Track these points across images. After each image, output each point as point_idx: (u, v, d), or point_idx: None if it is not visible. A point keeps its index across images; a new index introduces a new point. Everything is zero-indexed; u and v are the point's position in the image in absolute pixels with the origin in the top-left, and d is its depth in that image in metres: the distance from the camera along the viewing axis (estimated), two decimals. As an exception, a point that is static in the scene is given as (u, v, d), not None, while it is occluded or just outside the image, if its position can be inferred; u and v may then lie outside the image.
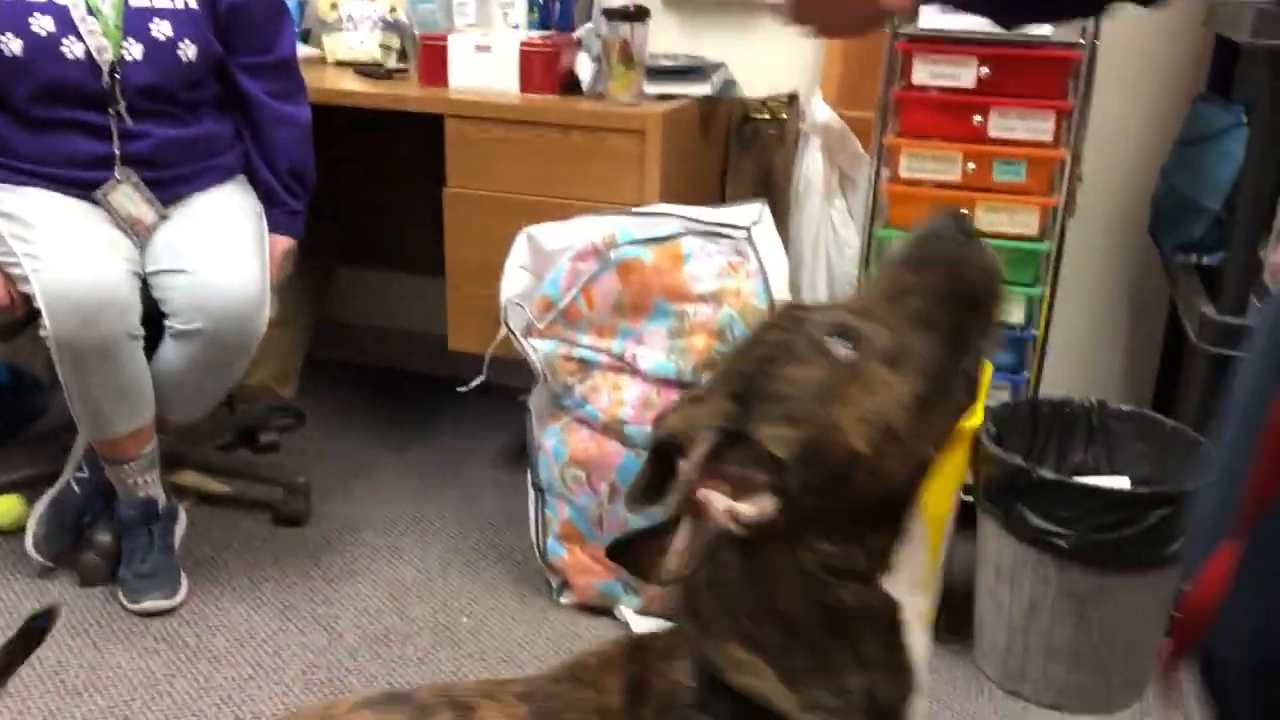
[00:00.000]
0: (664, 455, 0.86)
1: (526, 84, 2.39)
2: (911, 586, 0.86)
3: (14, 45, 1.94)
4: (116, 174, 2.01)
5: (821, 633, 0.83)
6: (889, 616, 0.84)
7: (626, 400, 2.02)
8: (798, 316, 0.85)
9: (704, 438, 0.80)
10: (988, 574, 1.93)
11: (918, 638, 0.87)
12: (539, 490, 2.16)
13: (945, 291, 0.83)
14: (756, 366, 0.83)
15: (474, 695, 0.94)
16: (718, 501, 0.79)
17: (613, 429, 2.02)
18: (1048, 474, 1.79)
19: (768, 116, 2.61)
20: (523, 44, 2.40)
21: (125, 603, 2.07)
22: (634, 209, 2.17)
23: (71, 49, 1.96)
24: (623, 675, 0.90)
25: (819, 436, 0.79)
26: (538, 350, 2.08)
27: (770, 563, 0.82)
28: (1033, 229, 2.17)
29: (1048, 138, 2.12)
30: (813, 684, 0.83)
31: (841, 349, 0.81)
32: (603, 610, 2.11)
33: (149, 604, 2.06)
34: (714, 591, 0.85)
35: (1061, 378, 2.52)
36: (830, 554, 0.82)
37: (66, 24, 1.96)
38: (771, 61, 2.62)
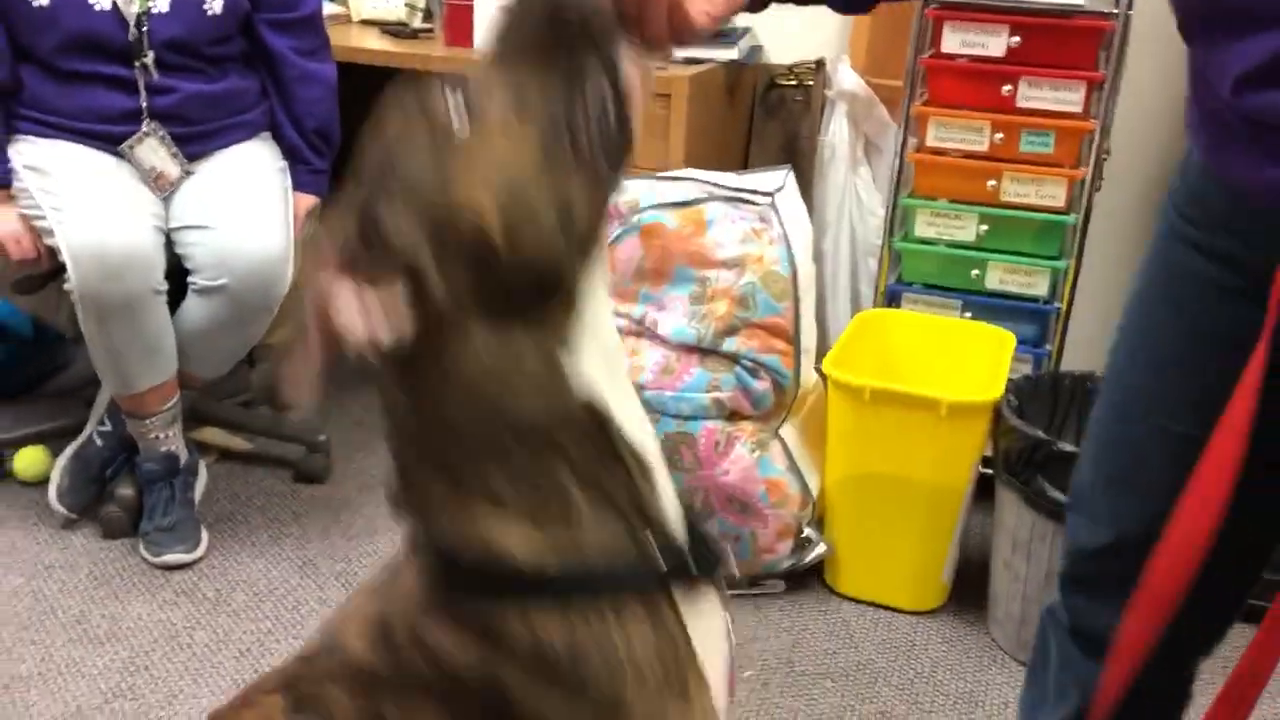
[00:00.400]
0: None
1: (552, 45, 2.38)
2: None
3: (42, -4, 1.94)
4: (144, 127, 2.01)
5: (525, 452, 0.76)
6: (591, 415, 0.77)
7: (646, 365, 2.02)
8: (410, 100, 0.77)
9: (326, 249, 0.74)
10: (1004, 545, 1.93)
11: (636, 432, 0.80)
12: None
13: (549, 33, 0.75)
14: (380, 163, 0.76)
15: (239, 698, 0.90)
16: (349, 324, 0.73)
17: (632, 393, 2.02)
18: (1068, 446, 1.79)
19: (794, 83, 2.59)
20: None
21: (146, 556, 2.10)
22: (658, 174, 2.16)
23: (99, 1, 1.96)
24: (363, 622, 0.85)
25: (443, 217, 0.72)
26: (559, 313, 2.08)
27: (433, 389, 0.76)
28: (1059, 201, 2.15)
29: (1077, 109, 2.10)
30: (545, 521, 0.77)
31: (453, 120, 0.74)
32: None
33: (170, 557, 2.08)
34: (408, 446, 0.81)
35: (1085, 352, 2.50)
36: (493, 358, 0.74)
37: (94, -24, 1.96)
38: (798, 28, 2.60)
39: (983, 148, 2.17)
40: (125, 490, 2.18)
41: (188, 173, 2.06)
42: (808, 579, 2.11)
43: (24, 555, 2.11)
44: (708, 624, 0.83)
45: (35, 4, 1.94)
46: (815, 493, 2.07)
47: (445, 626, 0.78)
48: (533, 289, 0.74)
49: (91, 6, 1.95)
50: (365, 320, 0.73)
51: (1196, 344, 1.02)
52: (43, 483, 2.26)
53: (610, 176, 0.77)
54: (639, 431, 0.80)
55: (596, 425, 0.78)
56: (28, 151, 1.99)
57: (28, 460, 2.32)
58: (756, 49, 2.59)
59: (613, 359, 0.81)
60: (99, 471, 2.22)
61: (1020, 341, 2.19)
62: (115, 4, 1.96)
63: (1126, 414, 1.10)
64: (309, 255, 0.73)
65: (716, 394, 1.98)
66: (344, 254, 0.74)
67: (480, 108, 0.74)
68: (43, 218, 1.93)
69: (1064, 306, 2.21)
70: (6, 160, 1.97)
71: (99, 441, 2.22)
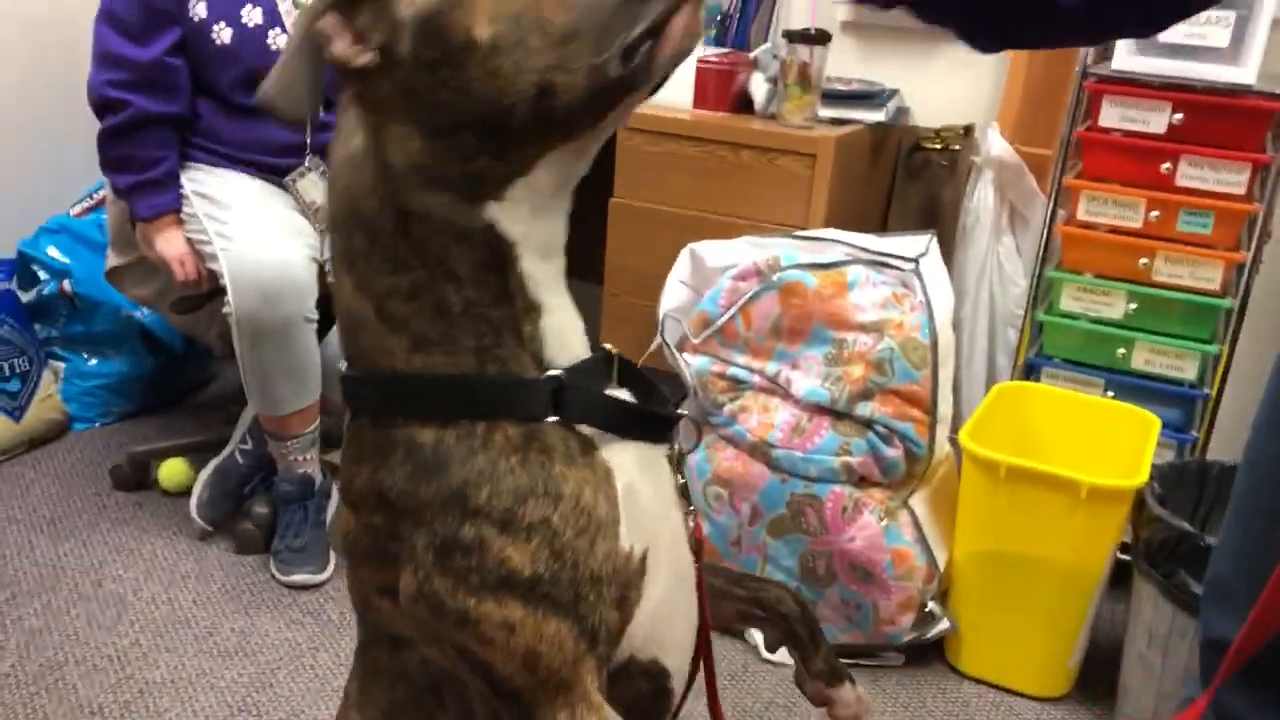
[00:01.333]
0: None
1: (700, 101, 2.41)
2: None
3: (225, 34, 2.04)
4: (306, 162, 2.10)
5: (401, 242, 0.80)
6: (491, 245, 0.81)
7: (776, 423, 2.01)
8: None
9: None
10: (1140, 638, 1.85)
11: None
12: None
13: None
14: None
15: None
16: (334, 36, 0.80)
17: (760, 450, 2.01)
18: (1211, 539, 1.72)
19: (939, 146, 2.57)
20: (699, 60, 2.42)
21: (276, 574, 2.16)
22: (797, 232, 2.16)
23: (276, 40, 2.05)
24: None
25: (444, 5, 0.76)
26: (691, 365, 2.09)
27: (361, 151, 0.81)
28: (1215, 284, 2.08)
29: (1240, 190, 2.04)
30: (409, 312, 0.82)
31: None
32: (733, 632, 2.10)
33: (299, 577, 2.14)
34: (338, 229, 0.84)
35: (1234, 442, 2.41)
36: (421, 152, 0.79)
37: (274, 16, 2.06)
38: (948, 92, 2.58)
39: (1137, 224, 2.12)
40: (261, 509, 2.25)
41: (345, 207, 2.14)
42: (928, 655, 2.06)
43: (162, 564, 2.19)
44: (623, 473, 0.86)
45: (218, 42, 2.04)
46: (942, 567, 2.02)
47: (350, 447, 0.86)
48: (488, 123, 0.77)
49: (269, 46, 2.05)
50: (342, 46, 0.80)
51: None
52: (184, 494, 2.35)
53: (613, 85, 0.77)
54: (544, 286, 0.85)
55: (496, 258, 0.82)
56: (198, 179, 2.09)
57: (171, 471, 2.42)
58: (903, 110, 2.58)
59: (551, 241, 0.86)
60: (237, 487, 2.31)
61: (1165, 426, 2.12)
62: (291, 43, 2.06)
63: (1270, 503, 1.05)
64: None
65: (847, 458, 1.96)
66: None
67: None
68: (208, 242, 2.02)
69: (1213, 392, 2.13)
70: (179, 186, 2.08)
71: (240, 459, 2.30)
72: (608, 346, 0.94)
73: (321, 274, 2.08)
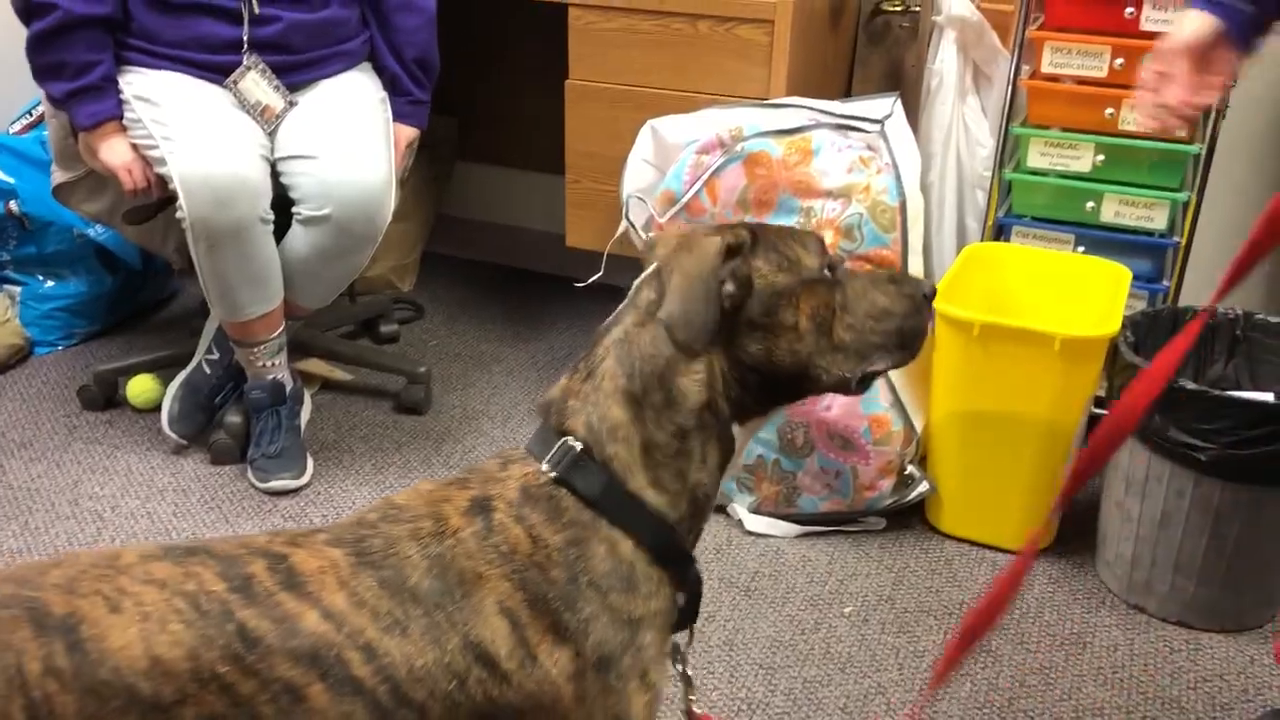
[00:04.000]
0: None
1: (652, -29, 2.33)
2: None
3: (149, -73, 1.95)
4: (245, 60, 2.02)
5: (695, 431, 1.01)
6: (731, 447, 1.05)
7: (748, 298, 1.98)
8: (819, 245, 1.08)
9: (726, 233, 1.01)
10: (1117, 486, 1.87)
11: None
12: (656, 386, 2.15)
13: (899, 317, 1.08)
14: (772, 232, 1.06)
15: (280, 545, 0.94)
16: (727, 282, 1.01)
17: (733, 326, 1.99)
18: (1189, 385, 1.72)
19: (900, 8, 2.51)
20: (649, -70, 2.33)
21: (254, 482, 2.15)
22: (762, 101, 2.11)
23: (204, -69, 1.96)
24: (464, 493, 0.99)
25: (783, 289, 1.02)
26: (659, 245, 2.06)
27: (697, 360, 1.00)
28: (1182, 130, 2.05)
29: (1206, 31, 1.99)
30: (664, 466, 1.00)
31: (831, 269, 1.06)
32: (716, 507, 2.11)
33: (276, 483, 2.12)
34: (622, 364, 1.01)
35: (1206, 288, 2.41)
36: (728, 376, 1.02)
37: (199, -95, 1.96)
38: (906, -49, 2.51)
39: (1102, 74, 2.08)
40: (233, 418, 2.23)
41: (291, 104, 2.07)
42: (910, 517, 2.08)
43: (139, 478, 2.17)
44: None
45: (142, -66, 1.95)
46: (919, 430, 2.03)
47: (549, 513, 0.98)
48: (769, 382, 1.05)
49: (198, -65, 1.96)
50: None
51: None
52: (154, 410, 2.33)
53: (838, 389, 1.09)
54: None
55: (725, 459, 1.06)
56: (137, 82, 2.01)
57: (139, 388, 2.39)
58: (861, -26, 2.51)
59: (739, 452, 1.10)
60: (208, 399, 2.28)
61: (1135, 277, 2.11)
62: (220, -67, 1.97)
63: None
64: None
65: (820, 327, 1.94)
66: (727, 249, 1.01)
67: (845, 280, 1.08)
68: (154, 147, 1.96)
69: (1184, 240, 2.12)
70: (118, 91, 2.00)
71: (207, 369, 2.27)
72: None
73: (274, 174, 2.02)
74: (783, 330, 1.02)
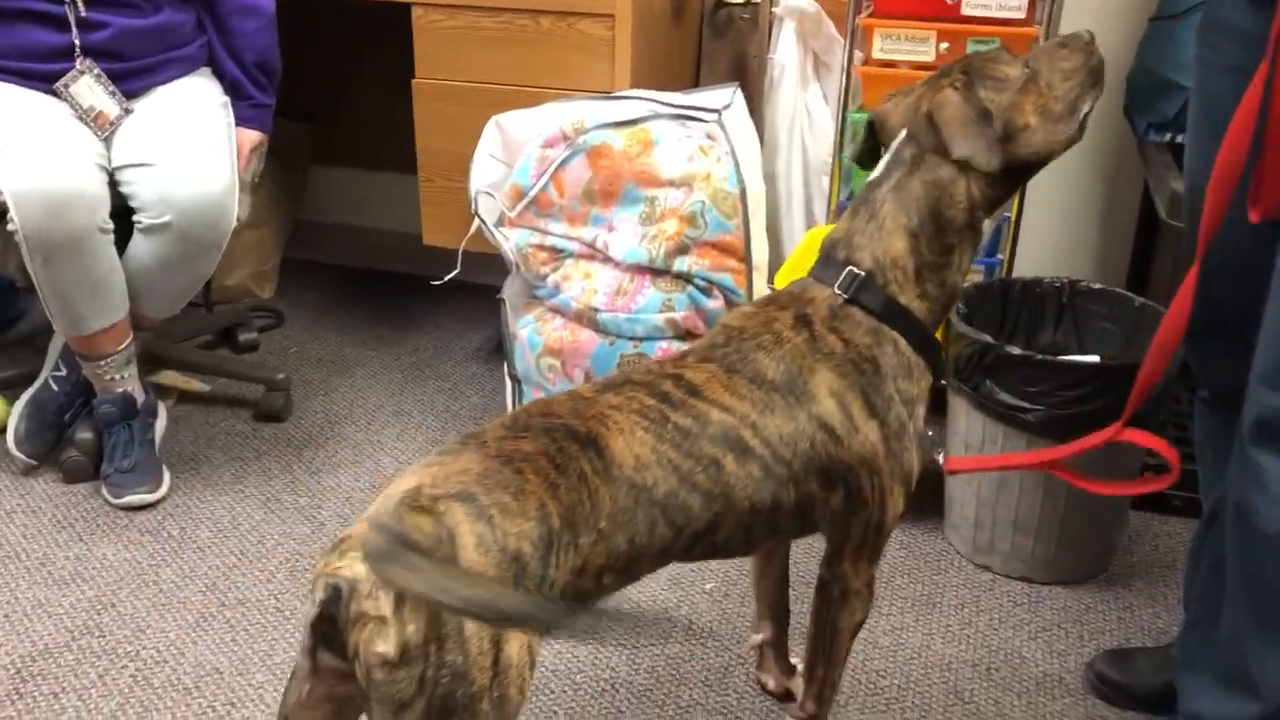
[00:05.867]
0: (873, 130, 1.39)
1: (493, -31, 2.34)
2: None
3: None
4: (77, 65, 1.98)
5: (955, 237, 1.31)
6: (980, 240, 1.34)
7: (599, 288, 2.02)
8: (993, 50, 1.36)
9: (950, 80, 1.30)
10: (957, 449, 1.96)
11: None
12: (515, 380, 2.17)
13: (1081, 63, 1.34)
14: (970, 61, 1.33)
15: (671, 368, 1.27)
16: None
17: (586, 317, 2.03)
18: (1014, 350, 1.81)
19: (741, 2, 2.57)
20: (489, -72, 2.34)
21: (109, 498, 2.10)
22: (605, 95, 2.15)
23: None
24: (785, 313, 1.31)
25: (1009, 104, 1.29)
26: (510, 240, 2.08)
27: (950, 181, 1.29)
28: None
29: (1021, 14, 2.10)
30: (929, 279, 1.32)
31: (1027, 66, 1.31)
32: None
33: (132, 498, 2.08)
34: (894, 200, 1.30)
35: (1037, 260, 2.53)
36: (984, 188, 1.30)
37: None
38: (744, -56, 2.57)
39: (929, 58, 2.16)
40: (84, 434, 2.18)
41: (127, 110, 2.03)
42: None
43: (-15, 502, 2.11)
44: None
45: (-43, -61, 1.89)
46: (772, 408, 2.09)
47: (851, 323, 1.30)
48: (1011, 172, 1.31)
49: (17, -60, 1.91)
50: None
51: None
52: (1, 431, 2.26)
53: (1058, 143, 1.34)
54: None
55: (975, 244, 1.35)
56: (-39, 94, 1.95)
57: (-15, 409, 2.31)
58: (702, -32, 2.57)
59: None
60: (56, 417, 2.22)
61: (971, 252, 2.20)
62: (39, -64, 1.92)
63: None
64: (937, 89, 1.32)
65: (670, 314, 1.99)
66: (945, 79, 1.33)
67: (1041, 69, 1.33)
68: (-19, 160, 1.90)
69: (1013, 215, 2.22)
70: (-60, 104, 1.94)
71: (54, 386, 2.21)
72: None
73: (113, 184, 1.98)
74: (1020, 131, 1.29)
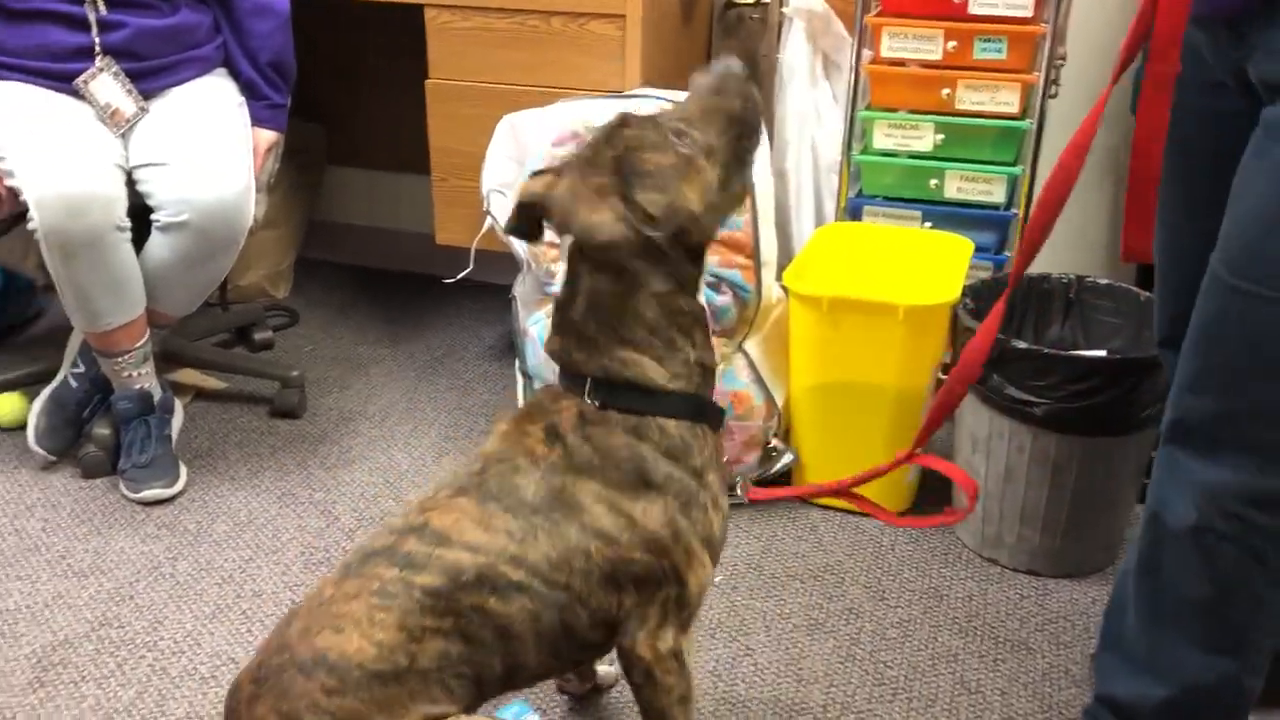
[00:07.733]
0: (527, 212, 1.27)
1: (505, -29, 2.37)
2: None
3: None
4: (97, 63, 2.01)
5: (672, 329, 1.25)
6: (702, 316, 1.29)
7: (610, 284, 2.04)
8: (643, 120, 1.21)
9: (605, 201, 1.18)
10: (965, 445, 1.97)
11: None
12: (527, 376, 2.20)
13: (735, 115, 1.23)
14: (623, 153, 1.19)
15: (416, 517, 1.24)
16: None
17: (597, 313, 2.05)
18: (1021, 344, 1.83)
19: (751, 2, 2.59)
20: (500, -69, 2.37)
21: (126, 493, 2.13)
22: (616, 94, 2.17)
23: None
24: (535, 427, 1.26)
25: (676, 199, 1.19)
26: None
27: (641, 285, 1.22)
28: (1014, 107, 2.17)
29: (1028, 13, 2.11)
30: (672, 362, 1.25)
31: (682, 145, 1.19)
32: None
33: (149, 493, 2.11)
34: (595, 318, 1.24)
35: (1044, 256, 2.53)
36: (675, 277, 1.23)
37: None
38: (754, -55, 2.59)
39: (936, 56, 2.19)
40: (102, 430, 2.21)
41: (144, 109, 2.06)
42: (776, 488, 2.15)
43: (5, 497, 2.14)
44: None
45: (-20, -57, 1.93)
46: (781, 405, 2.11)
47: (608, 427, 1.24)
48: (696, 251, 1.26)
49: (37, -57, 1.95)
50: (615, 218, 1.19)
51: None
52: (21, 428, 2.29)
53: (733, 206, 1.29)
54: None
55: (704, 322, 1.29)
56: (-18, 94, 1.99)
57: (6, 407, 2.35)
58: (712, -31, 2.59)
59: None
60: (75, 413, 2.25)
61: (981, 249, 2.22)
62: (61, -61, 1.96)
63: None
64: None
65: (679, 309, 2.01)
66: (599, 178, 1.20)
67: (696, 140, 1.20)
68: (1, 159, 1.93)
69: (1021, 212, 2.24)
70: (-38, 104, 1.97)
71: (73, 383, 2.25)
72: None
73: (130, 183, 2.01)
74: (689, 223, 1.21)
